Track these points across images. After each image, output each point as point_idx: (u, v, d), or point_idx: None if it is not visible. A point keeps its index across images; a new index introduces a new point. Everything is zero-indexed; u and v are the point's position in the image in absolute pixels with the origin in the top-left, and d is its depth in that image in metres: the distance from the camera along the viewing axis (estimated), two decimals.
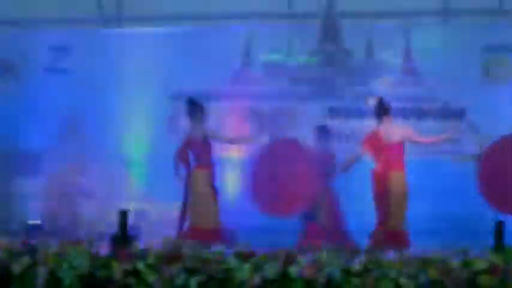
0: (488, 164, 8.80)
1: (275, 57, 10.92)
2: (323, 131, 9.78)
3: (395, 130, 8.81)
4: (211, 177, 9.08)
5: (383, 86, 10.63)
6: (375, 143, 8.81)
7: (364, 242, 8.18)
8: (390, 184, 8.57)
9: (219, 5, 10.83)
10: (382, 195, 8.58)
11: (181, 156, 9.14)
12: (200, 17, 11.26)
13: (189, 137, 9.09)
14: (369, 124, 10.32)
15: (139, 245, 6.25)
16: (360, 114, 10.57)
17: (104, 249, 6.29)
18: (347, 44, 10.81)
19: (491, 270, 5.62)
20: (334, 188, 9.56)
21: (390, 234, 8.32)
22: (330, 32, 10.83)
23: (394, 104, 10.31)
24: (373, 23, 10.96)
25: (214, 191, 9.07)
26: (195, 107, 9.15)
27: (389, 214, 8.51)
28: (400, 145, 8.74)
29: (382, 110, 8.87)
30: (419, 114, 10.42)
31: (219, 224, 8.94)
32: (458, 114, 10.29)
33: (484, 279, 5.59)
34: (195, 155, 9.07)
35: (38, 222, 10.67)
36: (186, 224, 9.04)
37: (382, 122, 8.82)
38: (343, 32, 10.83)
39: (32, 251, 6.13)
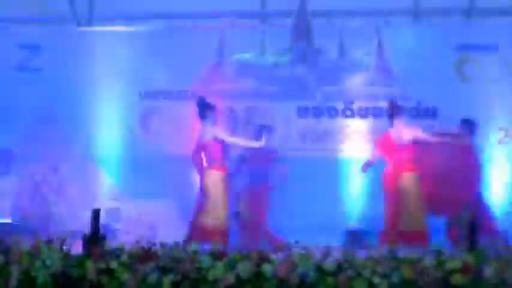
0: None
1: (247, 56, 10.91)
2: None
3: (405, 131, 8.88)
4: (225, 177, 9.02)
5: (355, 85, 10.65)
6: (386, 144, 8.89)
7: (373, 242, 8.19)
8: (401, 184, 8.65)
9: (192, 4, 10.80)
10: (393, 196, 8.67)
11: (195, 157, 9.10)
12: (172, 16, 11.22)
13: (201, 138, 9.03)
14: (340, 123, 10.42)
15: (113, 244, 6.22)
16: (332, 113, 10.60)
17: (77, 248, 6.26)
18: (319, 44, 10.80)
19: (464, 269, 5.65)
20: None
21: (406, 234, 8.36)
22: (302, 31, 10.83)
23: (366, 104, 10.46)
24: (345, 23, 10.95)
25: (227, 191, 9.02)
26: (206, 108, 9.09)
27: (399, 214, 8.58)
28: (411, 146, 8.81)
29: (394, 112, 8.95)
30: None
31: (228, 225, 8.89)
32: (430, 113, 10.35)
33: (457, 279, 5.63)
34: (208, 156, 9.01)
35: (9, 221, 10.58)
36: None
37: (393, 124, 8.89)
38: (315, 32, 10.83)
39: (5, 250, 6.08)
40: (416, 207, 8.66)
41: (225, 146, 9.15)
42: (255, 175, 9.58)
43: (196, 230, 8.84)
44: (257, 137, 9.64)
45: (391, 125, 9.02)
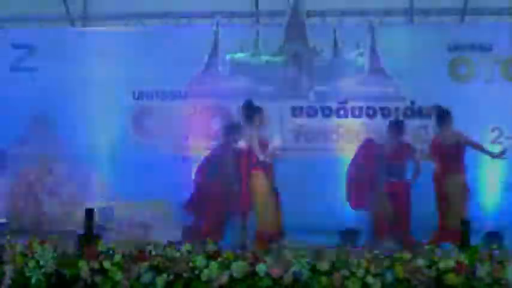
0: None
1: (241, 56, 10.90)
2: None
3: (451, 134, 8.91)
4: (271, 178, 8.95)
5: (349, 85, 10.66)
6: (436, 146, 8.93)
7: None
8: (447, 185, 8.71)
9: (186, 4, 10.80)
10: (441, 197, 8.73)
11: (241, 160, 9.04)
12: (166, 15, 11.21)
13: (247, 141, 8.95)
14: (334, 123, 10.43)
15: (107, 243, 6.22)
16: (325, 113, 10.61)
17: (71, 248, 6.26)
18: (312, 43, 10.81)
19: (457, 269, 5.66)
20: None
21: (450, 233, 8.38)
22: (296, 31, 10.84)
23: (360, 104, 10.47)
24: (339, 22, 10.96)
25: (275, 192, 8.97)
26: (252, 111, 9.02)
27: (446, 214, 8.61)
28: (457, 148, 8.84)
29: (442, 116, 8.97)
30: (386, 113, 10.47)
31: (280, 224, 8.85)
32: (424, 113, 10.37)
33: (450, 278, 5.64)
34: (253, 158, 8.93)
35: (4, 220, 10.56)
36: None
37: (441, 127, 8.92)
38: (309, 31, 10.83)
39: None
40: (461, 207, 8.70)
41: (269, 149, 9.01)
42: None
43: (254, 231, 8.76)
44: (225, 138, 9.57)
45: (439, 130, 9.01)
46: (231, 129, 9.39)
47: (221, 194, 8.98)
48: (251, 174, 8.83)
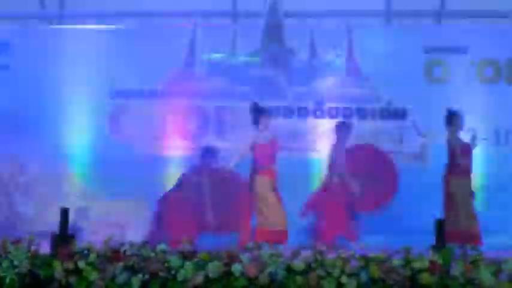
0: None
1: (218, 56, 10.89)
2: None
3: (460, 135, 8.95)
4: (274, 181, 8.90)
5: (326, 86, 10.68)
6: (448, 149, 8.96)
7: None
8: (450, 187, 8.73)
9: (163, 3, 10.77)
10: (445, 199, 8.76)
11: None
12: (143, 15, 11.18)
13: (254, 142, 8.88)
14: (311, 124, 10.45)
15: (82, 243, 6.19)
16: (302, 114, 10.63)
17: (45, 248, 6.22)
18: (290, 44, 10.82)
19: (432, 268, 5.69)
20: None
21: (455, 234, 8.41)
22: (273, 31, 10.84)
23: (337, 104, 10.50)
24: (317, 24, 10.99)
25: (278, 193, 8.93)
26: (259, 112, 8.96)
27: (448, 216, 8.62)
28: (466, 150, 8.86)
29: (451, 117, 8.98)
30: (362, 114, 10.51)
31: (285, 225, 8.80)
32: (400, 114, 10.43)
33: (424, 278, 5.67)
34: (258, 160, 8.87)
35: None
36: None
37: (451, 129, 8.92)
38: (286, 32, 10.84)
39: None
40: (464, 208, 8.72)
41: (274, 151, 8.98)
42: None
43: (254, 233, 8.70)
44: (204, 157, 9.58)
45: (449, 132, 9.01)
46: (208, 152, 9.44)
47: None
48: (255, 179, 8.80)
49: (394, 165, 9.97)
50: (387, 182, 9.83)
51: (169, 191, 9.57)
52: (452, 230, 8.50)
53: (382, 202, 9.68)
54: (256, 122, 8.92)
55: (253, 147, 8.81)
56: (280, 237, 8.47)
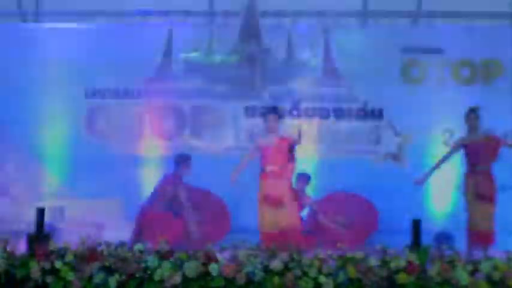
0: None
1: (195, 55, 10.88)
2: None
3: (480, 133, 8.90)
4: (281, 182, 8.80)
5: (302, 86, 10.70)
6: (466, 146, 8.89)
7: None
8: (465, 187, 8.72)
9: (140, 2, 10.75)
10: (472, 197, 8.72)
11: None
12: (120, 13, 11.14)
13: (262, 142, 8.79)
14: (287, 123, 10.45)
15: (58, 243, 6.16)
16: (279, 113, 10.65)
17: (21, 247, 6.19)
18: (267, 44, 10.83)
19: (409, 268, 5.72)
20: None
21: (472, 234, 8.40)
22: (250, 31, 10.85)
23: (313, 104, 10.52)
24: (294, 24, 11.00)
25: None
26: (272, 113, 8.87)
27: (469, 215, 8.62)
28: (466, 151, 8.82)
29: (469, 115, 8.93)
30: (339, 114, 10.54)
31: (298, 226, 8.72)
32: (377, 114, 10.47)
33: (401, 278, 5.69)
34: (263, 161, 8.78)
35: None
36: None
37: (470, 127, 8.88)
38: (263, 32, 10.85)
39: None
40: (477, 208, 8.69)
41: (281, 153, 8.88)
42: None
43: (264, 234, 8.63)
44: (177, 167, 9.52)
45: (470, 130, 8.97)
46: (180, 160, 9.39)
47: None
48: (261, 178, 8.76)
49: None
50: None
51: (147, 203, 9.45)
52: (470, 229, 8.55)
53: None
54: (267, 120, 8.83)
55: (260, 149, 8.72)
56: (284, 238, 8.37)
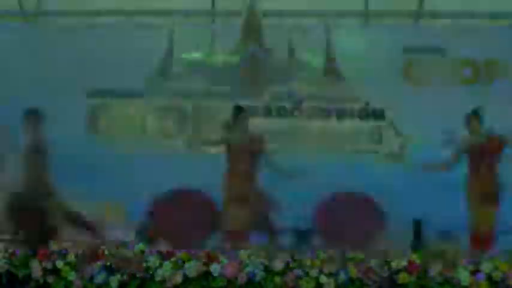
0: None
1: (196, 55, 10.89)
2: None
3: (483, 134, 8.88)
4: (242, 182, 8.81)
5: (304, 86, 10.70)
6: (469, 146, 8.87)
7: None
8: (467, 188, 8.70)
9: (142, 1, 10.75)
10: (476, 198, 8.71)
11: None
12: (122, 13, 11.13)
13: (229, 141, 8.80)
14: (289, 123, 10.47)
15: (60, 243, 6.18)
16: (280, 113, 10.65)
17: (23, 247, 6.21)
18: (268, 44, 10.83)
19: (410, 268, 5.73)
20: None
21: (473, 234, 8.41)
22: (252, 31, 10.85)
23: (315, 104, 10.51)
24: (295, 23, 11.00)
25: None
26: (238, 113, 8.86)
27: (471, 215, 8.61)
28: (480, 152, 8.80)
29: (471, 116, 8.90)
30: (340, 114, 10.54)
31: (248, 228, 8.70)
32: (378, 114, 10.48)
33: (402, 277, 5.70)
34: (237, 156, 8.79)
35: None
36: None
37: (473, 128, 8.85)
38: (265, 31, 10.85)
39: None
40: (478, 209, 8.68)
41: (248, 153, 8.88)
42: None
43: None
44: None
45: (471, 133, 8.95)
46: None
47: None
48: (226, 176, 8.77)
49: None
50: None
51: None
52: (472, 229, 8.54)
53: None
54: (236, 121, 8.85)
55: (228, 148, 8.74)
56: (237, 237, 8.36)
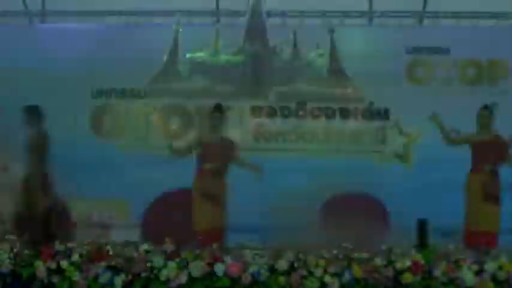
0: None
1: (201, 55, 10.88)
2: None
3: (489, 133, 8.87)
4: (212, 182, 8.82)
5: (308, 86, 10.70)
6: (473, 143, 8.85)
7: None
8: (467, 185, 8.69)
9: (145, 1, 10.75)
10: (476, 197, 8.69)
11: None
12: (126, 13, 11.13)
13: (203, 140, 8.80)
14: (293, 124, 10.47)
15: (64, 243, 6.18)
16: (285, 113, 10.65)
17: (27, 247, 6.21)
18: (272, 43, 10.83)
19: (414, 268, 5.73)
20: None
21: (469, 233, 8.40)
22: (256, 31, 10.85)
23: (319, 104, 10.52)
24: (300, 23, 11.00)
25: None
26: (216, 111, 8.86)
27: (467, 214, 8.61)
28: (474, 149, 8.78)
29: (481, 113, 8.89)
30: (344, 114, 10.55)
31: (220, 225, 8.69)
32: (382, 114, 10.48)
33: (407, 277, 5.70)
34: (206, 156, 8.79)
35: None
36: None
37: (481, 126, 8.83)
38: (269, 31, 10.85)
39: None
40: (477, 207, 8.66)
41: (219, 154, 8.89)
42: None
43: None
44: None
45: (480, 128, 8.93)
46: None
47: None
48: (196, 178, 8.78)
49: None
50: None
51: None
52: (472, 229, 8.52)
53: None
54: (212, 119, 8.85)
55: (200, 147, 8.75)
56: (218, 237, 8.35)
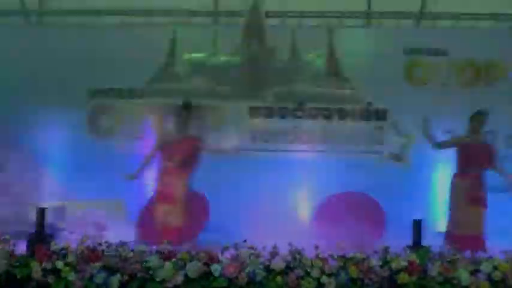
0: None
1: (199, 55, 10.89)
2: None
3: (480, 136, 8.89)
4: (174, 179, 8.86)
5: (306, 87, 10.70)
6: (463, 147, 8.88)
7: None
8: (452, 188, 8.71)
9: (144, 1, 10.76)
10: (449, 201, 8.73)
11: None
12: (124, 12, 11.13)
13: (165, 139, 8.82)
14: (291, 124, 10.46)
15: (59, 243, 6.18)
16: (283, 114, 10.64)
17: (22, 248, 6.20)
18: (271, 44, 10.82)
19: (410, 268, 5.73)
20: None
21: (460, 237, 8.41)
22: (255, 31, 10.85)
23: (317, 105, 10.52)
24: (298, 24, 11.00)
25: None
26: (184, 110, 8.88)
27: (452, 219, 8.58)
28: (460, 151, 8.80)
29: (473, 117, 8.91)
30: (342, 114, 10.54)
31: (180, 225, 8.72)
32: (380, 115, 10.47)
33: (402, 277, 5.70)
34: (168, 154, 8.82)
35: None
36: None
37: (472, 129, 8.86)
38: (267, 32, 10.85)
39: None
40: (465, 211, 8.67)
41: (179, 152, 8.93)
42: None
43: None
44: None
45: (471, 132, 8.96)
46: None
47: None
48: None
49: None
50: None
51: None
52: (458, 232, 8.52)
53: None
54: (180, 117, 8.88)
55: (162, 146, 8.79)
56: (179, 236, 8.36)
